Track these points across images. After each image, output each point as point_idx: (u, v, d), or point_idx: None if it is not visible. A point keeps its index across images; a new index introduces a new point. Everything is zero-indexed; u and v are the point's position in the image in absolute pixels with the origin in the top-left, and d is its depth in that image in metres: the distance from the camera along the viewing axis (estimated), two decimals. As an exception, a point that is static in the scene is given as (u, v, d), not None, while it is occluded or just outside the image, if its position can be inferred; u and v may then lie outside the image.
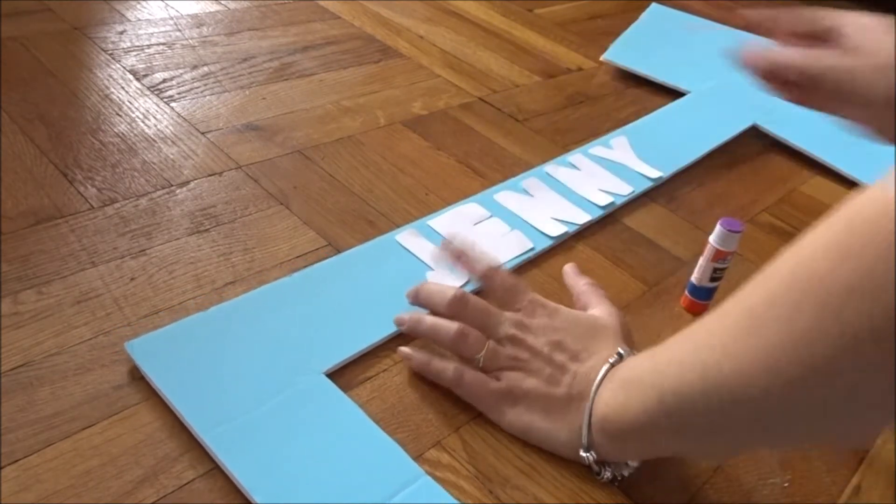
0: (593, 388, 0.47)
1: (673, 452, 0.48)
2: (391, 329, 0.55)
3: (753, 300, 0.39)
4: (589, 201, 0.74)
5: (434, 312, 0.53)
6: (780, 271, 0.38)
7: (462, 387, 0.50)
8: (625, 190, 0.77)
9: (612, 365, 0.47)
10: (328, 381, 0.50)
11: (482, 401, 0.50)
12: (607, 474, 0.47)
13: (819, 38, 0.53)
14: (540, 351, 0.49)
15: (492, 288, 0.54)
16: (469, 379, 0.50)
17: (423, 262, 0.62)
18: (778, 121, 0.98)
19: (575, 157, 0.81)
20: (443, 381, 0.51)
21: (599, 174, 0.79)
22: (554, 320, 0.51)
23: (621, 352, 0.48)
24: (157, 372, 0.48)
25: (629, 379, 0.46)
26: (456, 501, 0.45)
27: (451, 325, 0.51)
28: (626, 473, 0.48)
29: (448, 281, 0.60)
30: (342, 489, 0.44)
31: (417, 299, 0.55)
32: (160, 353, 0.50)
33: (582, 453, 0.47)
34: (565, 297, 0.63)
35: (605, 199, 0.75)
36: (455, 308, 0.52)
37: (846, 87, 0.49)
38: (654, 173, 0.81)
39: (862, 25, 0.51)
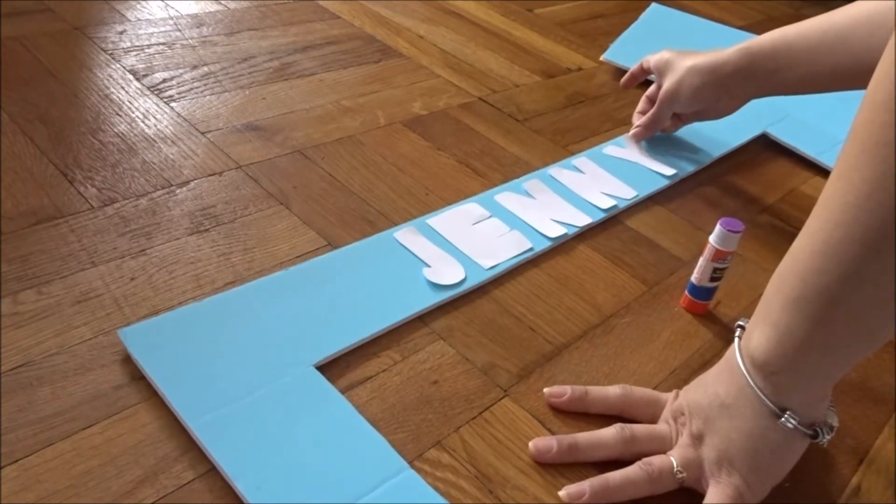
0: (737, 355, 0.47)
1: (840, 358, 0.45)
2: (383, 324, 0.56)
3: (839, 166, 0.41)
4: (591, 204, 0.74)
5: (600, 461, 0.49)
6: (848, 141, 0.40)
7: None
8: (628, 194, 0.77)
9: (739, 337, 0.49)
10: (317, 373, 0.50)
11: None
12: (826, 438, 0.46)
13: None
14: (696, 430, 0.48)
15: (634, 405, 0.53)
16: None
17: (419, 258, 0.62)
18: (789, 129, 0.97)
19: (579, 160, 0.81)
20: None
21: (603, 178, 0.79)
22: (686, 401, 0.50)
23: (741, 323, 0.49)
24: (147, 359, 0.48)
25: (760, 314, 0.46)
26: (434, 492, 0.45)
27: (637, 473, 0.47)
28: (834, 424, 0.47)
29: (445, 277, 0.60)
30: (323, 479, 0.44)
31: (576, 456, 0.49)
32: (152, 341, 0.50)
33: (781, 422, 0.45)
34: (564, 296, 0.63)
35: (607, 203, 0.74)
36: (626, 444, 0.49)
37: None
38: (669, 171, 0.81)
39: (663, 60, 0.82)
